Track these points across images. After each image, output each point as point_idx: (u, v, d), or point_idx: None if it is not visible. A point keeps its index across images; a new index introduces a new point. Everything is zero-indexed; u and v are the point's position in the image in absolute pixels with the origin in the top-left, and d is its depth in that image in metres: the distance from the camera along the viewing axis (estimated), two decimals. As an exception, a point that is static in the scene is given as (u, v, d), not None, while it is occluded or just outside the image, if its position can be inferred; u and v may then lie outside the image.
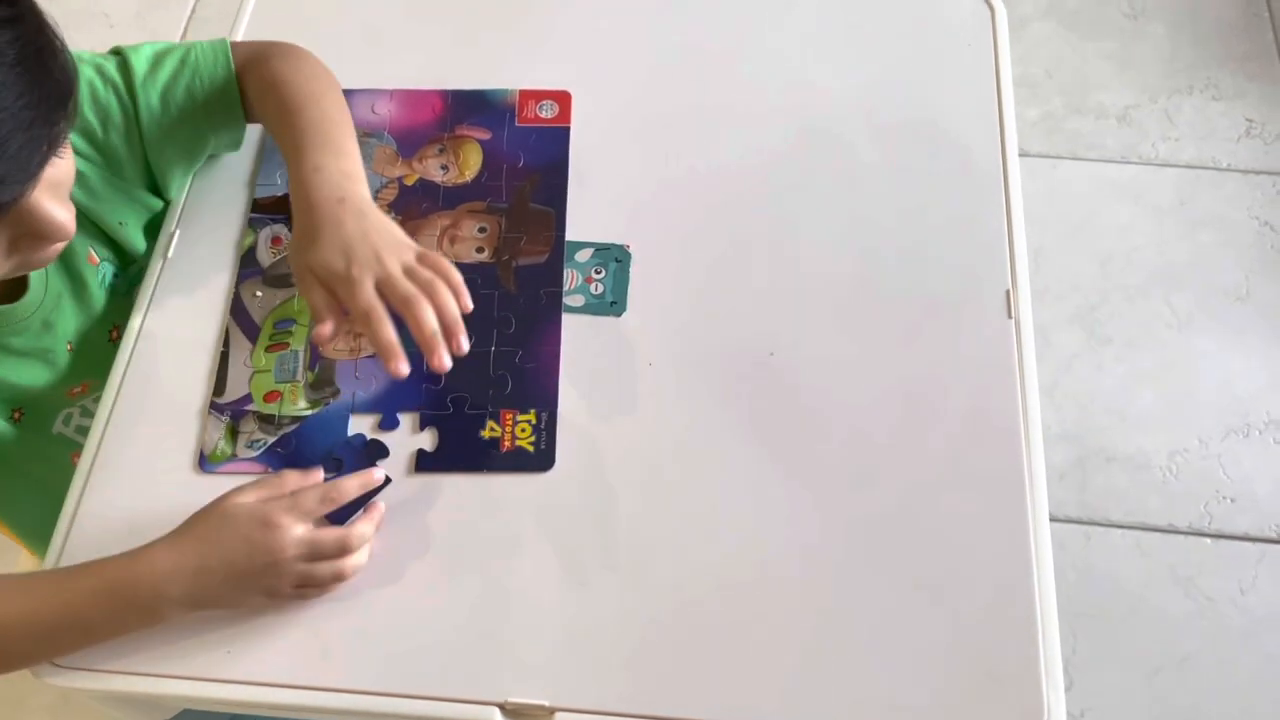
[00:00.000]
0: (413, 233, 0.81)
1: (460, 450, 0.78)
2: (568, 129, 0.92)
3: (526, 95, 0.94)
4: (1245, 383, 1.57)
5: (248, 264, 0.86)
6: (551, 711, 0.68)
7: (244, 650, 0.71)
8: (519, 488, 0.76)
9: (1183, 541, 1.46)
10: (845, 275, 0.85)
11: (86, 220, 0.82)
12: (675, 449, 0.78)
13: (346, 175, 0.77)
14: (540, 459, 0.77)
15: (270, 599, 0.70)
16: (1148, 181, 1.75)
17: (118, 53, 0.83)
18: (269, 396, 0.80)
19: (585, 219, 0.87)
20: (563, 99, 0.94)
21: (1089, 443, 1.52)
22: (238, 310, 0.84)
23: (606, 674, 0.70)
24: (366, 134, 0.91)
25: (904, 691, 0.69)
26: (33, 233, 0.66)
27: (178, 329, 0.83)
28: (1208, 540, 1.46)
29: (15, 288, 0.78)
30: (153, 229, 0.89)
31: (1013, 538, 0.73)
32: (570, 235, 0.87)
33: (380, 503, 0.74)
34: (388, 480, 0.75)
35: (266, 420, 0.79)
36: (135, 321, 0.84)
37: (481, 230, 0.87)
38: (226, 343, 0.82)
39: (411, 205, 0.89)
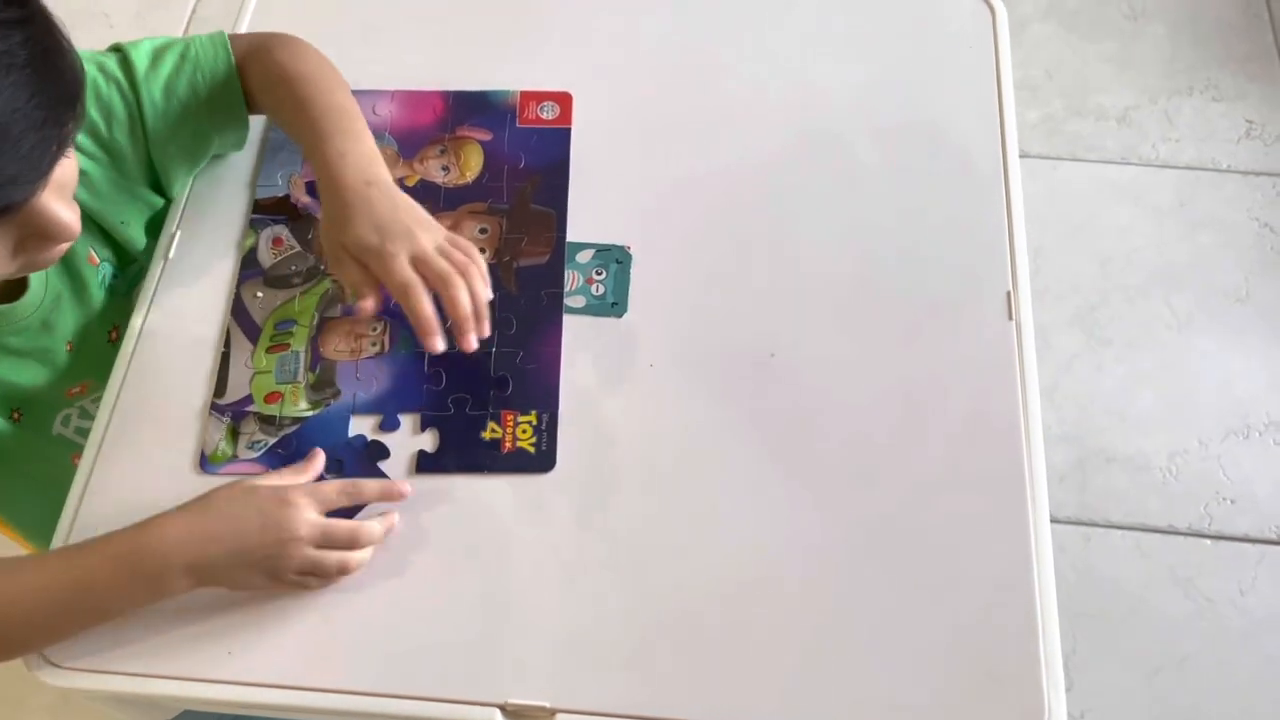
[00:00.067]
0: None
1: (461, 451, 0.78)
2: (569, 130, 0.92)
3: (527, 96, 0.94)
4: (1245, 384, 1.57)
5: (249, 265, 0.86)
6: (552, 712, 0.68)
7: (244, 650, 0.71)
8: (520, 489, 0.76)
9: (1182, 542, 1.46)
10: (846, 276, 0.85)
11: (88, 220, 0.82)
12: (676, 450, 0.78)
13: (371, 160, 0.78)
14: (541, 460, 0.77)
15: (272, 581, 0.70)
16: (1148, 183, 1.75)
17: (117, 49, 0.83)
18: (270, 397, 0.80)
19: (586, 220, 0.88)
20: (564, 100, 0.94)
21: (1089, 444, 1.53)
22: (239, 311, 0.84)
23: (607, 674, 0.70)
24: (367, 135, 0.91)
25: (904, 691, 0.69)
26: (39, 233, 0.66)
27: (179, 330, 0.83)
28: (1207, 541, 1.46)
29: (15, 287, 0.78)
30: (153, 228, 0.89)
31: (1013, 538, 0.73)
32: (571, 236, 0.87)
33: (395, 514, 0.74)
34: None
35: (267, 421, 0.79)
36: (136, 322, 0.84)
37: (482, 231, 0.87)
38: (227, 344, 0.82)
39: (412, 206, 0.89)
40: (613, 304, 0.84)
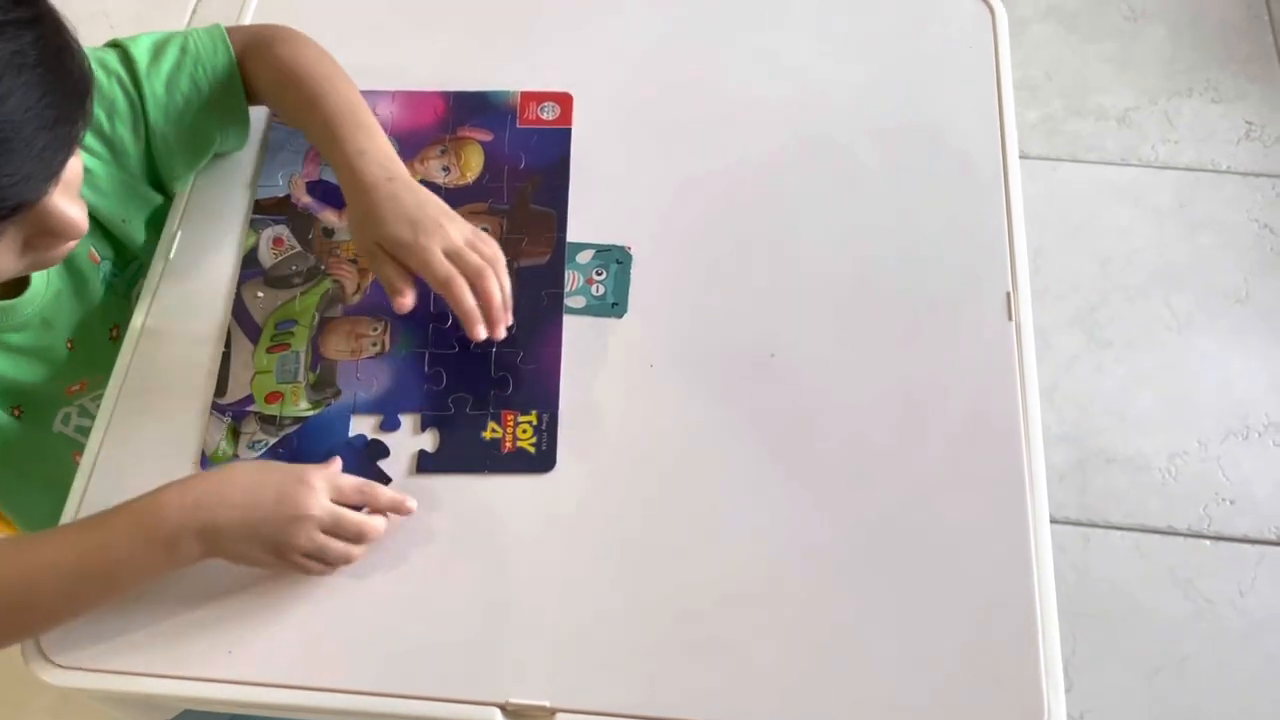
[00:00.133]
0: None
1: (461, 451, 0.78)
2: (569, 130, 0.92)
3: (528, 97, 0.94)
4: (1245, 385, 1.57)
5: (249, 265, 0.86)
6: (552, 712, 0.69)
7: (244, 650, 0.71)
8: (520, 489, 0.76)
9: (1182, 543, 1.46)
10: (846, 276, 0.85)
11: (91, 218, 0.82)
12: (676, 450, 0.78)
13: (388, 155, 0.80)
14: (541, 460, 0.77)
15: (277, 559, 0.70)
16: (1148, 183, 1.75)
17: (116, 44, 0.83)
18: (270, 397, 0.80)
19: (586, 220, 0.88)
20: (564, 101, 0.94)
21: (1089, 444, 1.53)
22: (239, 311, 0.84)
23: (607, 674, 0.70)
24: (368, 135, 0.91)
25: (904, 692, 0.69)
26: (48, 231, 0.67)
27: (179, 329, 0.84)
28: (1207, 542, 1.46)
29: (16, 284, 0.78)
30: (152, 225, 0.89)
31: (1013, 539, 0.73)
32: (571, 237, 0.87)
33: (383, 520, 0.74)
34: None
35: (268, 421, 0.79)
36: (137, 322, 0.84)
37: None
38: (228, 343, 0.82)
39: (413, 206, 0.89)
40: (613, 304, 0.84)
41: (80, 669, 0.70)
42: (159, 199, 0.89)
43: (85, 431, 0.80)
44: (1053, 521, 0.75)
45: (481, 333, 0.76)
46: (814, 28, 0.98)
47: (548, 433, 0.78)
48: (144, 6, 1.97)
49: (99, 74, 0.80)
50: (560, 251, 0.86)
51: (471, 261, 0.76)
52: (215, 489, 0.69)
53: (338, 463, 0.74)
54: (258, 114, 0.92)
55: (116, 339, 0.85)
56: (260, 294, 0.85)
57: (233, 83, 0.85)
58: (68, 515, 0.76)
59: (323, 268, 0.86)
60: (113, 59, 0.82)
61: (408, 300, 0.77)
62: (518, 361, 0.81)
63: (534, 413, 0.79)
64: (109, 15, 1.93)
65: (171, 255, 0.87)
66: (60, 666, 0.70)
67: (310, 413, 0.79)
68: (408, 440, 0.78)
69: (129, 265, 0.89)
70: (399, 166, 0.80)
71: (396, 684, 0.69)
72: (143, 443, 0.78)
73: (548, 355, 0.81)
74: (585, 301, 0.84)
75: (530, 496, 0.76)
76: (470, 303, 0.76)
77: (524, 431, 0.78)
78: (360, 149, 0.79)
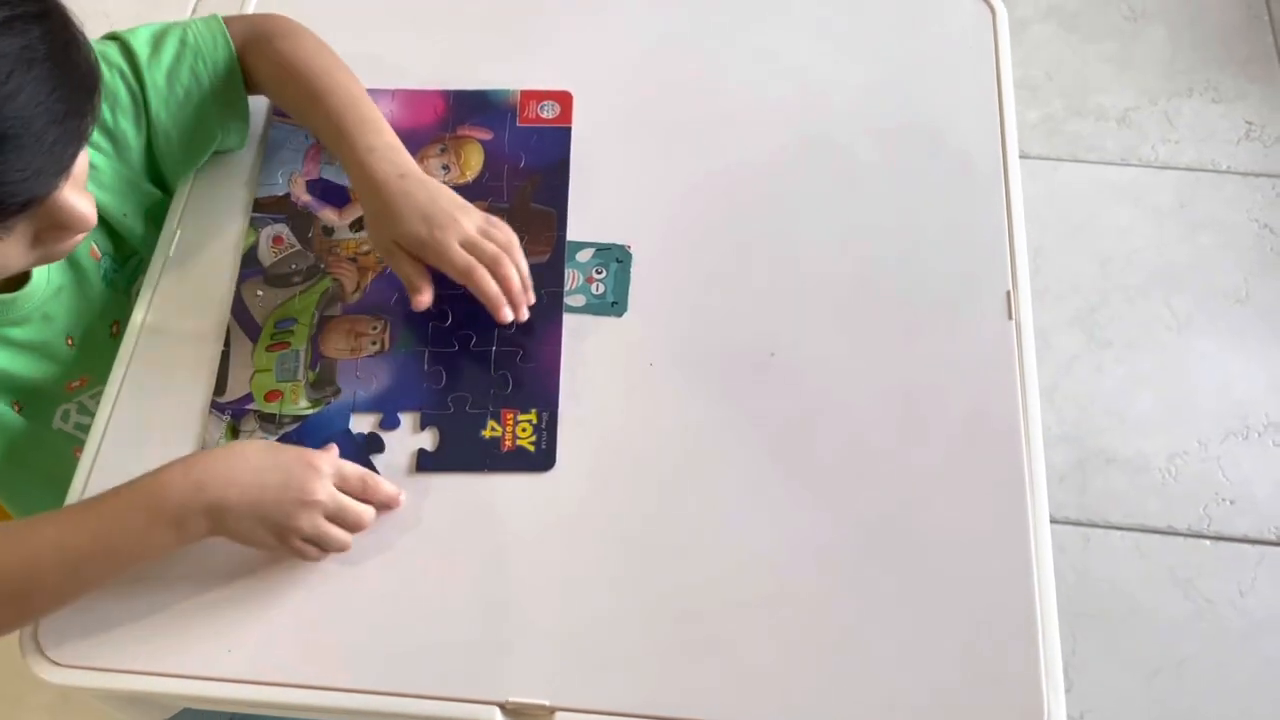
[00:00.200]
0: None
1: (461, 450, 0.78)
2: (569, 129, 0.92)
3: (528, 96, 0.94)
4: (1245, 385, 1.57)
5: (249, 263, 0.86)
6: (552, 711, 0.68)
7: (243, 649, 0.71)
8: (519, 487, 0.76)
9: (1182, 544, 1.46)
10: (846, 276, 0.85)
11: None
12: (676, 449, 0.78)
13: (396, 151, 0.81)
14: (541, 459, 0.77)
15: (278, 541, 0.70)
16: (1148, 184, 1.75)
17: (115, 37, 0.84)
18: (270, 396, 0.80)
19: (586, 219, 0.88)
20: (564, 99, 0.94)
21: (1088, 445, 1.53)
22: (239, 309, 0.84)
23: (606, 674, 0.70)
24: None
25: (904, 692, 0.69)
26: (57, 224, 0.67)
27: (179, 328, 0.83)
28: (1207, 542, 1.46)
29: (17, 278, 0.78)
30: (152, 220, 0.89)
31: (1013, 539, 0.73)
32: (571, 235, 0.87)
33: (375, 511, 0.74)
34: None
35: (267, 419, 0.79)
36: (137, 319, 0.84)
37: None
38: (227, 342, 0.82)
39: (413, 205, 0.89)
40: (613, 303, 0.84)
41: (79, 667, 0.70)
42: (158, 194, 0.89)
43: (85, 429, 0.80)
44: (1053, 522, 0.75)
45: (508, 315, 0.78)
46: (814, 28, 0.98)
47: (547, 431, 0.78)
48: (144, 6, 1.96)
49: (101, 68, 0.80)
50: (560, 250, 0.86)
51: (488, 250, 0.78)
52: (224, 467, 0.69)
53: (334, 449, 0.74)
54: (257, 113, 0.92)
55: (116, 336, 0.85)
56: (260, 292, 0.85)
57: (233, 76, 0.86)
58: (67, 514, 0.75)
59: (322, 266, 0.86)
60: (113, 51, 0.82)
61: (425, 298, 0.78)
62: (517, 360, 0.81)
63: (533, 411, 0.79)
64: (109, 15, 1.93)
65: (171, 253, 0.87)
66: (59, 665, 0.70)
67: (309, 411, 0.79)
68: (407, 439, 0.78)
69: (129, 261, 0.89)
70: (408, 161, 0.81)
71: (396, 682, 0.69)
72: (142, 440, 0.78)
73: (547, 354, 0.81)
74: (585, 300, 0.84)
75: (530, 495, 0.76)
76: (493, 289, 0.78)
77: (523, 430, 0.78)
78: (369, 146, 0.80)
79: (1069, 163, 1.78)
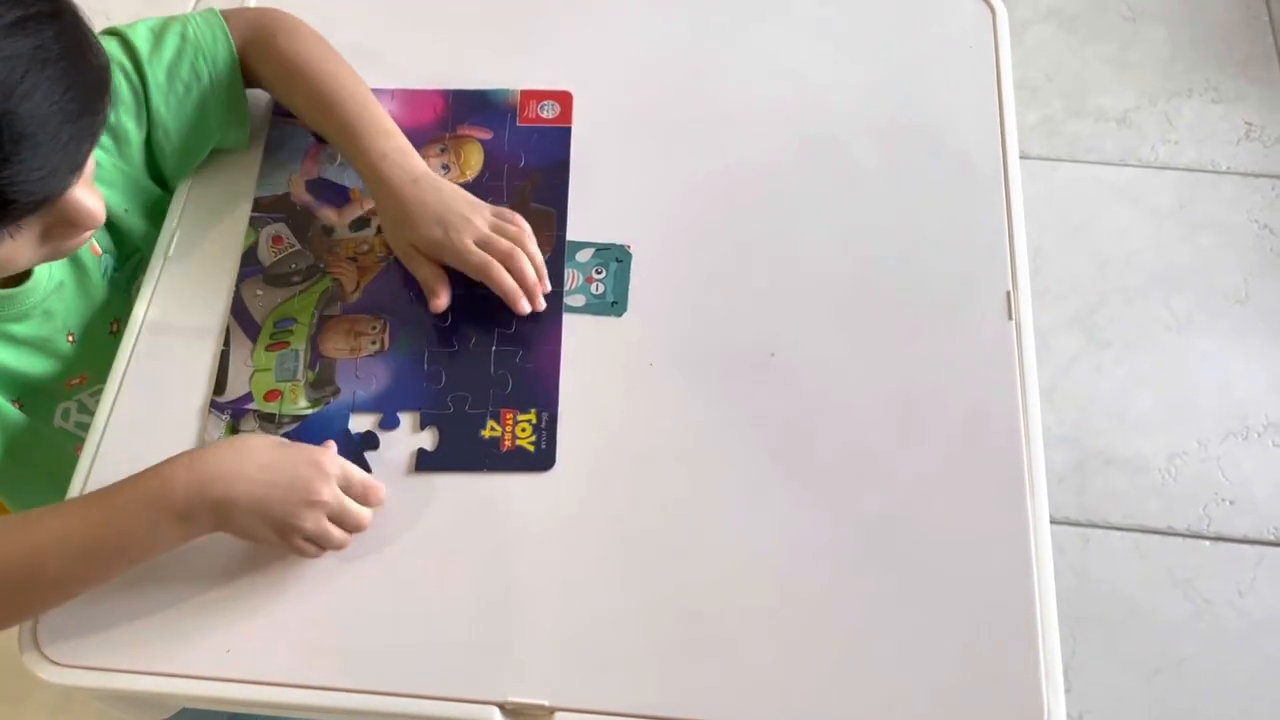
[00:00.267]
0: (414, 232, 0.82)
1: (460, 449, 0.78)
2: (569, 129, 0.92)
3: (528, 95, 0.94)
4: (1244, 385, 1.57)
5: (249, 263, 0.86)
6: (551, 711, 0.68)
7: (242, 649, 0.71)
8: (519, 487, 0.76)
9: (1181, 544, 1.46)
10: (846, 276, 0.85)
11: None
12: (675, 449, 0.78)
13: (406, 154, 0.83)
14: (540, 459, 0.77)
15: (279, 538, 0.70)
16: (1147, 184, 1.75)
17: (114, 33, 0.84)
18: (269, 395, 0.80)
19: (586, 219, 0.88)
20: (564, 99, 0.94)
21: (1088, 445, 1.53)
22: (238, 309, 0.84)
23: (606, 674, 0.70)
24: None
25: (904, 691, 0.69)
26: (66, 221, 0.67)
27: (178, 327, 0.83)
28: (1206, 543, 1.46)
29: (18, 274, 0.78)
30: (152, 217, 0.89)
31: (1012, 540, 0.73)
32: (571, 235, 0.87)
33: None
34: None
35: (267, 419, 0.79)
36: (137, 318, 0.84)
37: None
38: (227, 341, 0.82)
39: (412, 205, 0.89)
40: (612, 303, 0.84)
41: (78, 667, 0.70)
42: (158, 191, 0.89)
43: (85, 428, 0.80)
44: (1052, 522, 0.75)
45: (525, 307, 0.80)
46: (814, 28, 0.98)
47: (547, 431, 0.78)
48: (144, 5, 1.97)
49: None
50: (560, 250, 0.86)
51: (501, 246, 0.80)
52: (230, 463, 0.69)
53: (332, 446, 0.74)
54: (258, 112, 0.92)
55: (116, 334, 0.85)
56: (259, 292, 0.85)
57: (233, 73, 0.86)
58: (66, 513, 0.75)
59: (322, 266, 0.86)
60: (114, 47, 0.82)
61: (443, 301, 0.81)
62: (517, 360, 0.81)
63: (533, 411, 0.79)
64: (109, 14, 1.93)
65: (171, 252, 0.87)
66: (58, 664, 0.70)
67: (309, 411, 0.79)
68: (407, 438, 0.78)
69: (129, 259, 0.89)
70: (419, 164, 0.83)
71: (395, 683, 0.69)
72: (142, 439, 0.78)
73: (547, 354, 0.81)
74: (585, 300, 0.84)
75: (529, 495, 0.76)
76: (509, 283, 0.80)
77: (523, 430, 0.78)
78: (382, 152, 0.82)
79: (1068, 163, 1.78)
